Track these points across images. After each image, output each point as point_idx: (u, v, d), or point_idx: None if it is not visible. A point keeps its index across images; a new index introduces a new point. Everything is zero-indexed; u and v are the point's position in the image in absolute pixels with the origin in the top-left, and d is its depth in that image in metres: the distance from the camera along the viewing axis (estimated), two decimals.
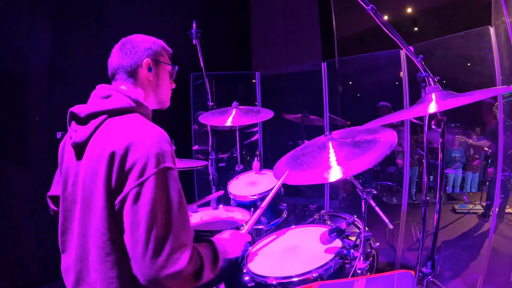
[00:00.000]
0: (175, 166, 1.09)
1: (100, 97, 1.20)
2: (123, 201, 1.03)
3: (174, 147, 2.55)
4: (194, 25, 2.35)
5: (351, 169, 1.46)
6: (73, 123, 1.20)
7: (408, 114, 1.60)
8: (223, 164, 3.96)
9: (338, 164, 1.52)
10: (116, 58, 1.27)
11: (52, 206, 1.44)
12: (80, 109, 1.17)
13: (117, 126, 1.12)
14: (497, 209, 2.54)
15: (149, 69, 1.28)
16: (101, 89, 1.23)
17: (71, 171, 1.18)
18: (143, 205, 1.00)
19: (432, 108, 1.22)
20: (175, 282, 1.01)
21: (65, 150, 1.25)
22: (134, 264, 1.01)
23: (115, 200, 1.05)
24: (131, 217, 1.01)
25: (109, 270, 1.06)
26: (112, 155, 1.04)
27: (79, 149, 1.16)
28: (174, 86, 1.42)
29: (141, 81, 1.28)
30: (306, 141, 3.65)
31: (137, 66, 1.26)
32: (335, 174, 1.48)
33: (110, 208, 1.05)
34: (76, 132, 1.17)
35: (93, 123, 1.14)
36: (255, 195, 2.23)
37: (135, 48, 1.27)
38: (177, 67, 1.40)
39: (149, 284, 1.00)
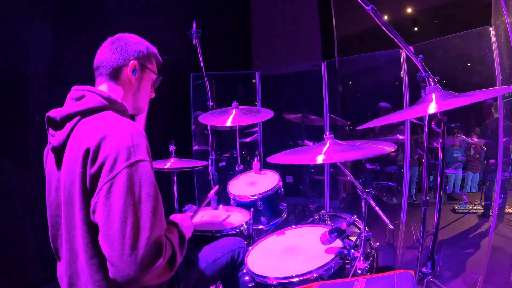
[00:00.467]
0: (148, 159, 1.06)
1: (73, 99, 1.19)
2: (96, 199, 1.01)
3: (175, 147, 2.55)
4: (194, 25, 2.35)
5: (343, 157, 1.46)
6: (50, 128, 1.19)
7: (408, 114, 1.60)
8: (223, 164, 3.96)
9: (330, 152, 1.52)
10: (105, 51, 1.26)
11: None
12: (55, 113, 1.16)
13: (90, 125, 1.11)
14: (497, 209, 2.54)
15: (133, 71, 1.27)
16: (74, 90, 1.22)
17: (53, 177, 1.18)
18: (115, 200, 0.98)
19: (432, 108, 1.22)
20: (154, 275, 0.98)
21: (48, 156, 1.24)
22: (111, 266, 0.97)
23: (90, 200, 1.03)
24: (104, 213, 0.98)
25: (95, 273, 1.06)
26: (87, 152, 1.03)
27: (58, 153, 1.15)
28: (153, 95, 1.41)
29: (123, 81, 1.27)
30: (306, 141, 3.67)
31: (123, 65, 1.25)
32: (324, 158, 1.48)
33: (87, 209, 1.04)
34: (53, 137, 1.17)
35: (68, 125, 1.13)
36: (255, 195, 2.23)
37: (127, 46, 1.26)
38: (161, 77, 1.39)
39: (129, 283, 0.96)
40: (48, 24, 2.85)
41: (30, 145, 2.82)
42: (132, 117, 1.36)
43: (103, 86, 1.26)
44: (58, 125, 1.15)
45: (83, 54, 3.01)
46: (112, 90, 1.25)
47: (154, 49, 1.35)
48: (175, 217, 1.33)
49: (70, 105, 1.17)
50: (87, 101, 1.16)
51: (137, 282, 0.96)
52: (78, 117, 1.13)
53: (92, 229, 1.04)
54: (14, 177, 2.68)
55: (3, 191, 2.59)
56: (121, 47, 1.25)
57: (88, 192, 1.04)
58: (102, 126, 1.07)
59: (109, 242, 0.96)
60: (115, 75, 1.25)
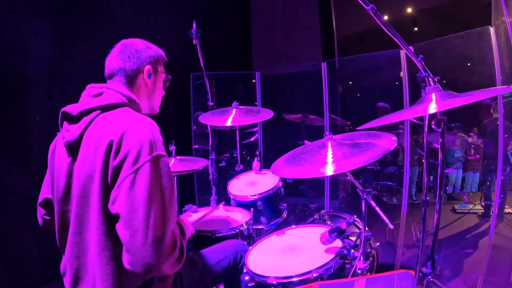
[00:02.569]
0: (166, 154, 1.11)
1: (91, 96, 1.22)
2: (118, 190, 1.03)
3: (175, 147, 2.55)
4: (194, 25, 2.35)
5: (347, 166, 1.46)
6: (65, 123, 1.20)
7: (408, 114, 1.60)
8: (223, 164, 3.96)
9: (334, 161, 1.52)
10: (117, 60, 1.28)
11: (41, 215, 1.45)
12: (72, 108, 1.18)
13: (111, 119, 1.13)
14: (497, 209, 2.54)
15: (149, 76, 1.32)
16: (91, 88, 1.24)
17: (63, 172, 1.18)
18: (140, 191, 1.01)
19: (432, 108, 1.22)
20: (170, 264, 1.03)
21: (56, 153, 1.25)
22: (131, 254, 1.00)
23: (110, 191, 1.05)
24: (128, 204, 1.01)
25: (105, 266, 1.07)
26: (110, 145, 1.06)
27: (72, 148, 1.16)
28: (164, 93, 1.47)
29: (138, 86, 1.31)
30: (306, 141, 3.67)
31: (139, 72, 1.29)
32: (330, 169, 1.48)
33: (105, 201, 1.06)
34: (68, 132, 1.17)
35: (85, 120, 1.15)
36: (255, 195, 2.23)
37: (139, 53, 1.30)
38: (170, 77, 1.45)
39: (147, 272, 1.00)
40: (48, 24, 2.85)
41: (30, 145, 2.82)
42: None
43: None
44: (74, 119, 1.17)
45: (83, 54, 3.03)
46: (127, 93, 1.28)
47: (161, 51, 1.40)
48: None
49: (88, 101, 1.19)
50: (107, 97, 1.19)
51: (155, 271, 1.00)
52: (97, 112, 1.16)
53: (108, 221, 1.06)
54: (14, 177, 2.68)
55: (3, 191, 2.59)
56: (133, 55, 1.29)
57: (107, 184, 1.06)
58: (123, 120, 1.11)
59: (132, 232, 0.99)
60: (130, 81, 1.29)
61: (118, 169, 1.04)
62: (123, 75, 1.27)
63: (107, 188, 1.06)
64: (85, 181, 1.09)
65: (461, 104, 1.15)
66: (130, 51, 1.29)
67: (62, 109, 1.20)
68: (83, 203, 1.10)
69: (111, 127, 1.09)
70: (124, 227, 1.00)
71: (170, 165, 2.23)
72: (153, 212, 1.00)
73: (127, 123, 1.09)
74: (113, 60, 1.29)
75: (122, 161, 1.04)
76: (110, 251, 1.07)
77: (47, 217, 1.43)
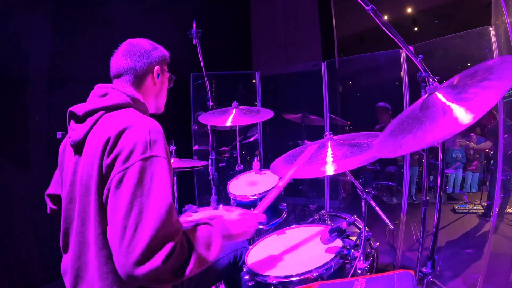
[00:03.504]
0: (165, 157, 1.07)
1: (97, 96, 1.23)
2: (108, 188, 1.03)
3: (175, 147, 2.55)
4: (194, 25, 2.35)
5: (346, 166, 1.46)
6: (72, 122, 1.22)
7: (439, 133, 1.04)
8: (223, 164, 3.96)
9: (334, 161, 1.52)
10: (125, 59, 1.28)
11: (50, 204, 1.45)
12: (78, 108, 1.19)
13: (113, 118, 1.14)
14: (497, 209, 2.54)
15: (158, 76, 1.33)
16: (98, 88, 1.25)
17: (70, 170, 1.19)
18: (124, 190, 0.98)
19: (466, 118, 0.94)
20: (151, 276, 0.93)
21: (65, 151, 1.26)
22: (114, 257, 0.97)
23: (104, 189, 1.05)
24: (112, 203, 1.00)
25: (104, 265, 1.06)
26: (107, 142, 1.06)
27: (78, 147, 1.17)
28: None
29: (146, 86, 1.32)
30: (306, 141, 3.67)
31: (148, 72, 1.30)
32: (330, 169, 1.49)
33: (101, 199, 1.06)
34: (74, 131, 1.19)
35: (90, 120, 1.16)
36: (255, 195, 2.23)
37: (148, 54, 1.31)
38: (174, 77, 1.46)
39: (128, 279, 0.94)
40: (48, 23, 2.85)
41: (30, 145, 2.82)
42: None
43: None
44: (79, 119, 1.18)
45: (83, 54, 3.03)
46: (133, 93, 1.28)
47: (166, 52, 1.41)
48: (230, 213, 1.32)
49: (93, 101, 1.20)
50: (111, 98, 1.20)
51: (134, 279, 0.93)
52: (101, 112, 1.16)
53: (104, 220, 1.06)
54: (14, 177, 2.68)
55: (3, 191, 2.59)
56: (142, 55, 1.29)
57: (103, 182, 1.06)
58: (124, 119, 1.11)
59: (112, 232, 0.97)
60: (138, 81, 1.30)
61: (110, 167, 1.04)
62: (133, 74, 1.28)
63: (102, 186, 1.06)
64: (86, 179, 1.10)
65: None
66: (140, 51, 1.30)
67: (69, 109, 1.21)
68: (85, 201, 1.11)
69: (112, 125, 1.09)
70: (108, 227, 1.00)
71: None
72: (134, 213, 0.95)
73: (127, 122, 1.09)
74: (121, 60, 1.29)
75: (114, 159, 1.03)
76: (107, 250, 1.06)
77: (54, 207, 1.44)
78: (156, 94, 1.38)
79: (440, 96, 1.12)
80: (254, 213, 1.39)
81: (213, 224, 1.16)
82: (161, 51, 1.36)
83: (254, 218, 1.34)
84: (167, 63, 1.43)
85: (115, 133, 1.06)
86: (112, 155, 1.04)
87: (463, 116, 0.96)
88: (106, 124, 1.12)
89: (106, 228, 1.04)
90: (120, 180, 1.00)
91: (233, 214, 1.31)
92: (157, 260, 0.93)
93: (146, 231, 0.94)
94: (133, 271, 0.92)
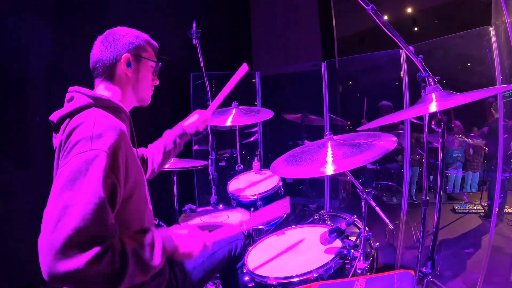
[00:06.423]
0: (106, 151, 0.99)
1: (67, 101, 1.21)
2: None
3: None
4: (194, 25, 2.35)
5: (347, 166, 1.46)
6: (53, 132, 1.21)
7: (408, 113, 1.58)
8: (223, 164, 3.96)
9: (334, 161, 1.52)
10: (97, 51, 1.25)
11: None
12: (53, 116, 1.17)
13: (72, 122, 1.11)
14: (497, 209, 2.54)
15: (128, 65, 1.24)
16: (69, 92, 1.23)
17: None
18: (56, 183, 0.95)
19: (433, 107, 1.21)
20: (75, 279, 0.88)
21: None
22: (39, 251, 0.94)
23: None
24: (49, 197, 0.97)
25: None
26: (60, 144, 1.06)
27: (57, 156, 1.16)
28: (157, 82, 1.37)
29: (119, 77, 1.25)
30: (306, 141, 3.67)
31: (116, 61, 1.23)
32: (330, 169, 1.49)
33: None
34: (54, 139, 1.19)
35: (62, 128, 1.13)
36: (255, 195, 2.23)
37: (116, 41, 1.24)
38: (160, 63, 1.35)
39: (50, 279, 0.90)
40: (48, 24, 2.85)
41: (30, 145, 2.82)
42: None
43: (100, 88, 1.26)
44: (56, 128, 1.16)
45: (83, 54, 3.02)
46: (109, 90, 1.25)
47: (145, 36, 1.31)
48: (181, 228, 1.22)
49: (64, 107, 1.18)
50: (75, 102, 1.16)
51: (55, 277, 0.88)
52: (68, 119, 1.13)
53: None
54: (14, 177, 2.68)
55: (3, 191, 2.59)
56: (110, 44, 1.23)
57: None
58: (77, 121, 1.07)
59: (42, 222, 0.93)
60: (110, 73, 1.24)
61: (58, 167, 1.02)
62: (102, 67, 1.24)
63: None
64: None
65: (461, 103, 1.15)
66: (108, 41, 1.24)
67: (49, 118, 1.18)
68: None
69: (66, 130, 1.08)
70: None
71: (169, 164, 2.23)
72: (60, 204, 0.90)
73: (77, 122, 1.06)
74: (94, 52, 1.26)
75: (61, 158, 1.02)
76: None
77: None
78: (133, 85, 1.27)
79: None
80: (205, 236, 1.25)
81: (157, 237, 1.09)
82: (132, 37, 1.25)
83: (202, 242, 1.22)
84: (153, 49, 1.33)
85: (65, 135, 1.04)
86: (61, 155, 1.03)
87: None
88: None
89: None
90: (57, 175, 0.98)
91: (183, 230, 1.20)
92: (80, 260, 0.87)
93: (68, 224, 0.88)
94: (55, 265, 0.87)
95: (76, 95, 1.18)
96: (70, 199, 0.91)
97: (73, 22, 2.98)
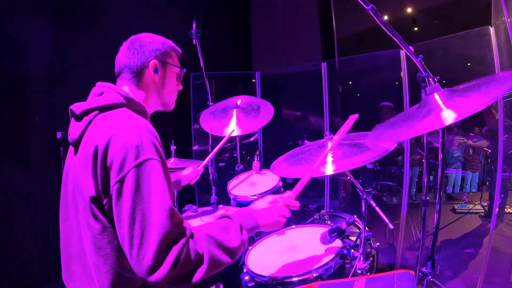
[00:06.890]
0: (158, 157, 1.04)
1: (96, 95, 1.22)
2: (108, 200, 1.02)
3: (175, 147, 2.54)
4: (194, 25, 2.35)
5: (346, 166, 1.46)
6: (72, 120, 1.21)
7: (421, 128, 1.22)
8: (223, 164, 3.96)
9: (334, 161, 1.52)
10: (124, 56, 1.27)
11: None
12: (76, 107, 1.18)
13: (104, 121, 1.12)
14: (497, 209, 2.54)
15: (155, 71, 1.27)
16: (97, 86, 1.24)
17: (67, 169, 1.20)
18: (124, 201, 0.98)
19: (449, 118, 1.08)
20: (168, 281, 0.94)
21: (68, 151, 1.26)
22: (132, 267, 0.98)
23: (103, 200, 1.04)
24: (116, 214, 0.99)
25: (102, 265, 1.06)
26: (96, 151, 1.04)
27: (75, 146, 1.16)
28: (181, 88, 1.40)
29: (146, 82, 1.28)
30: (306, 141, 3.67)
31: (143, 67, 1.26)
32: (330, 169, 1.49)
33: (95, 206, 1.04)
34: (72, 129, 1.18)
35: (86, 119, 1.14)
36: (255, 195, 2.23)
37: (143, 48, 1.26)
38: (185, 69, 1.38)
39: (151, 284, 0.95)
40: (48, 24, 2.85)
41: (30, 145, 2.82)
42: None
43: (124, 89, 1.27)
44: (77, 118, 1.17)
45: (83, 54, 3.03)
46: (134, 93, 1.26)
47: (170, 42, 1.34)
48: (261, 199, 1.25)
49: (91, 100, 1.19)
50: (106, 97, 1.17)
51: (154, 285, 0.95)
52: (96, 112, 1.14)
53: (97, 222, 1.05)
54: (14, 177, 2.69)
55: (3, 191, 2.59)
56: (137, 50, 1.26)
57: (98, 189, 1.04)
58: (113, 123, 1.08)
59: (122, 244, 0.98)
60: (137, 78, 1.27)
61: (106, 178, 1.02)
62: (129, 71, 1.26)
63: (98, 196, 1.04)
64: (79, 180, 1.09)
65: (478, 106, 1.05)
66: (135, 47, 1.26)
67: (70, 107, 1.20)
68: (75, 199, 1.11)
69: (101, 130, 1.07)
70: (119, 238, 1.00)
71: (169, 164, 2.23)
72: (138, 221, 0.96)
73: (115, 126, 1.06)
74: (121, 57, 1.28)
75: (109, 169, 1.01)
76: (104, 250, 1.05)
77: None
78: (159, 90, 1.31)
79: (436, 96, 1.22)
80: (286, 199, 1.27)
81: (232, 217, 1.14)
82: (159, 43, 1.29)
83: (285, 206, 1.25)
84: (177, 55, 1.36)
85: (105, 140, 1.03)
86: (107, 164, 1.02)
87: (448, 115, 1.09)
88: (98, 127, 1.10)
89: (102, 228, 1.04)
90: (119, 191, 0.99)
91: (261, 202, 1.24)
92: (166, 265, 0.94)
93: (152, 238, 0.94)
94: (148, 279, 0.94)
95: (107, 91, 1.19)
96: (145, 213, 0.96)
97: (73, 22, 2.98)
